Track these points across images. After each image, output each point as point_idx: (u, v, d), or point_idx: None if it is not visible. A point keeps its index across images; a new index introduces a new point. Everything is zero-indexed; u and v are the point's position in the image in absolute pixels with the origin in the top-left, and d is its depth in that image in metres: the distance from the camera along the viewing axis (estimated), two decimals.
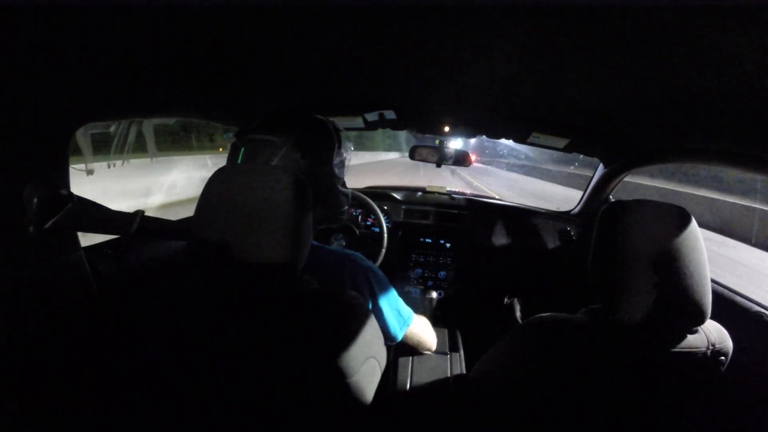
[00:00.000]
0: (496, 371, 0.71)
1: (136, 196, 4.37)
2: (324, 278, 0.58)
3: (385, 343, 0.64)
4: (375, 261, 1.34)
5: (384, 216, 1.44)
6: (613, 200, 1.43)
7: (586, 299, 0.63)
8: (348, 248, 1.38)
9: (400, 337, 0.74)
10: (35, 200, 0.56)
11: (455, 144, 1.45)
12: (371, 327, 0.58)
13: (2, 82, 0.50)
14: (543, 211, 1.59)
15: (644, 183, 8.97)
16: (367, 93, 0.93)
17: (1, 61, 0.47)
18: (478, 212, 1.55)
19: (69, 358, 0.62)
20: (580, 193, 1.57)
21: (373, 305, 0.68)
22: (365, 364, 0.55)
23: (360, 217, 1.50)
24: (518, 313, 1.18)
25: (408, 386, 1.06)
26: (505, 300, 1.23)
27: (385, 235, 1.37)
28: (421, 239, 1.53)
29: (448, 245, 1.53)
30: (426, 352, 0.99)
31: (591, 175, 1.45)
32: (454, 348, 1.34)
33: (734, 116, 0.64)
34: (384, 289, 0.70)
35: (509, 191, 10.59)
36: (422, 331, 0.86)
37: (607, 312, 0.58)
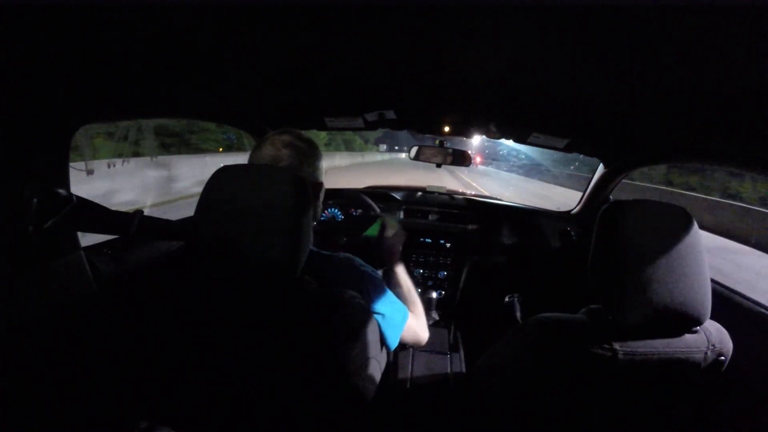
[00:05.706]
0: (496, 371, 0.71)
1: None
2: (322, 281, 0.58)
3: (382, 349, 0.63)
4: (374, 261, 1.33)
5: None
6: (613, 200, 1.43)
7: (586, 299, 0.63)
8: (347, 248, 1.37)
9: (395, 345, 0.71)
10: (35, 200, 0.56)
11: (455, 144, 1.45)
12: (371, 327, 0.58)
13: (2, 82, 0.50)
14: (543, 211, 1.59)
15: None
16: (367, 93, 0.93)
17: (1, 61, 0.47)
18: (478, 212, 1.55)
19: (69, 358, 0.62)
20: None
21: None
22: (365, 364, 0.55)
23: (359, 216, 1.50)
24: (518, 313, 1.18)
25: (408, 386, 1.06)
26: (506, 299, 1.23)
27: None
28: (421, 239, 1.53)
29: (448, 245, 1.52)
30: (420, 347, 0.98)
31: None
32: (454, 347, 1.34)
33: (734, 116, 0.64)
34: (380, 295, 0.68)
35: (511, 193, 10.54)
36: (417, 328, 0.81)
37: (607, 312, 0.58)
